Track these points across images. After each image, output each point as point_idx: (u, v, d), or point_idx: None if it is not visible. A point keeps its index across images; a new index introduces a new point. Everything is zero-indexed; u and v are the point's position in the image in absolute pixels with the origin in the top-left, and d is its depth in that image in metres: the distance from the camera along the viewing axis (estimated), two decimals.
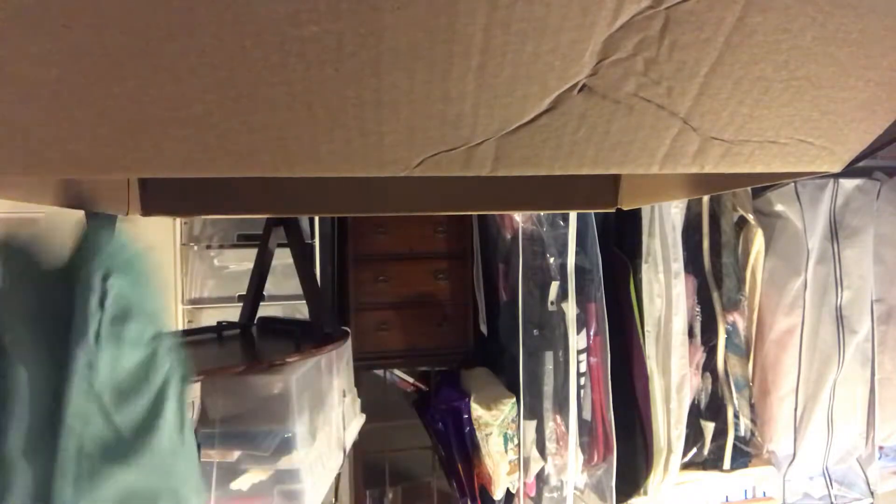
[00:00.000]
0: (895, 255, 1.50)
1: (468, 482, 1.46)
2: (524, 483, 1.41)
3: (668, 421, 1.39)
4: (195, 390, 0.62)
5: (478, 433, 1.41)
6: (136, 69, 0.29)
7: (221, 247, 1.54)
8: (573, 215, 1.35)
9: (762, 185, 1.09)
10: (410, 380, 1.74)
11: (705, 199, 1.41)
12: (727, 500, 1.53)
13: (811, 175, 0.42)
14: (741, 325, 1.45)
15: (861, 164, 0.40)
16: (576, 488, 1.43)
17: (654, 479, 1.40)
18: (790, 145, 0.38)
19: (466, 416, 1.42)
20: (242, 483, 0.71)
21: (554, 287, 1.37)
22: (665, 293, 1.38)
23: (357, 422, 1.00)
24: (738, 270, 1.44)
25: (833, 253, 1.46)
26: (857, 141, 0.39)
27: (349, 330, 0.90)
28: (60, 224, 0.41)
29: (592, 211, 1.34)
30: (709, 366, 1.44)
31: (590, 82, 0.33)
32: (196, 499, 0.41)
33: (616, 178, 0.76)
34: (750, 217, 1.43)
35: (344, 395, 0.91)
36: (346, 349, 0.92)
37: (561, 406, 1.39)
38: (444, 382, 1.58)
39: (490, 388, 1.45)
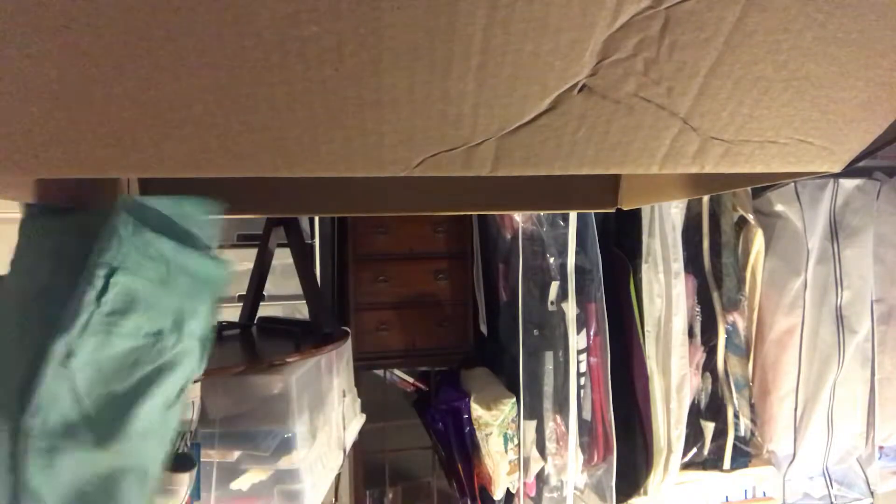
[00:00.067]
0: (895, 255, 1.50)
1: (468, 482, 1.46)
2: (524, 483, 1.41)
3: (668, 421, 1.39)
4: (195, 390, 0.62)
5: (478, 433, 1.41)
6: (136, 69, 0.29)
7: (221, 247, 1.53)
8: (573, 215, 1.35)
9: (762, 185, 1.09)
10: (410, 380, 1.74)
11: (705, 199, 1.41)
12: (727, 500, 1.53)
13: (811, 175, 0.42)
14: (741, 325, 1.45)
15: (861, 164, 0.40)
16: (576, 488, 1.43)
17: (654, 479, 1.40)
18: (790, 145, 0.38)
19: (466, 416, 1.42)
20: (242, 483, 0.71)
21: (554, 287, 1.37)
22: (665, 293, 1.38)
23: (357, 422, 1.00)
24: (738, 270, 1.44)
25: (833, 253, 1.46)
26: (857, 141, 0.39)
27: (349, 330, 0.90)
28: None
29: (592, 211, 1.34)
30: (709, 366, 1.44)
31: (590, 82, 0.33)
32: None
33: (616, 178, 0.76)
34: (750, 217, 1.43)
35: (344, 395, 0.91)
36: (346, 349, 0.92)
37: (561, 406, 1.39)
38: (444, 382, 1.58)
39: (490, 388, 1.45)
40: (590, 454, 1.42)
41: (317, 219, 1.52)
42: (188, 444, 0.62)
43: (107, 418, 0.37)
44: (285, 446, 0.71)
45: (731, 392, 1.43)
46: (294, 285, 0.92)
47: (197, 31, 0.28)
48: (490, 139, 0.35)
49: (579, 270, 1.37)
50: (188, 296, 0.42)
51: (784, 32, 0.32)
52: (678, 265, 1.38)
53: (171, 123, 0.32)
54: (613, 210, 0.77)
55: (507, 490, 1.41)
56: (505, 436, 1.38)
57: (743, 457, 1.44)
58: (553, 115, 0.35)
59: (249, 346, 0.86)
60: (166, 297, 0.40)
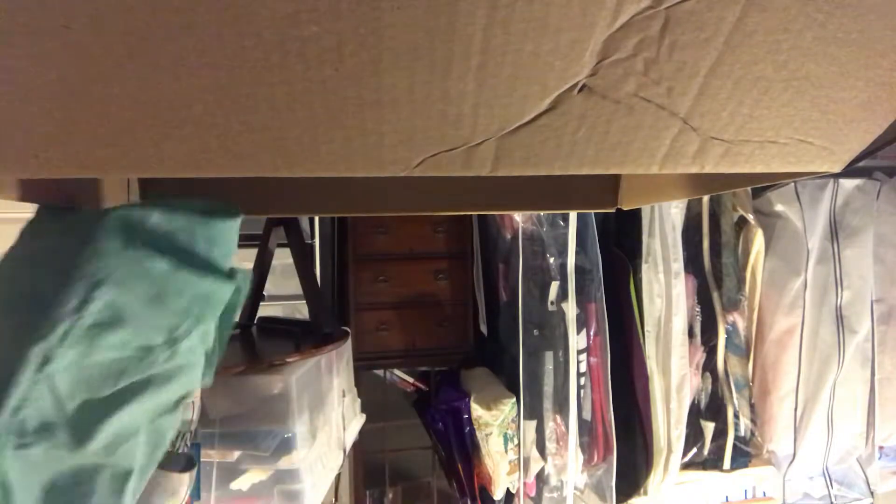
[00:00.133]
0: (895, 255, 1.50)
1: (468, 482, 1.46)
2: (524, 483, 1.41)
3: (668, 421, 1.39)
4: (195, 391, 0.62)
5: (478, 433, 1.41)
6: (136, 69, 0.29)
7: None
8: (573, 215, 1.35)
9: (762, 185, 1.09)
10: (410, 380, 1.74)
11: (705, 199, 1.41)
12: (727, 500, 1.53)
13: (811, 175, 0.42)
14: (741, 325, 1.45)
15: (861, 164, 0.40)
16: (576, 488, 1.43)
17: (654, 479, 1.40)
18: (790, 145, 0.38)
19: (466, 416, 1.42)
20: (242, 483, 0.71)
21: (554, 287, 1.37)
22: (665, 293, 1.38)
23: (357, 422, 1.00)
24: (738, 270, 1.44)
25: (833, 253, 1.46)
26: (857, 141, 0.39)
27: (349, 330, 0.90)
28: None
29: (592, 211, 1.34)
30: (709, 366, 1.44)
31: (590, 82, 0.33)
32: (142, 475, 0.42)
33: (616, 178, 0.76)
34: (750, 217, 1.43)
35: (344, 395, 0.91)
36: (346, 349, 0.92)
37: (561, 406, 1.39)
38: (444, 382, 1.58)
39: (490, 388, 1.45)
40: (590, 454, 1.42)
41: (317, 219, 1.52)
42: (188, 444, 0.62)
43: (86, 421, 0.37)
44: (285, 446, 0.71)
45: (731, 392, 1.43)
46: (294, 285, 0.92)
47: (197, 31, 0.28)
48: (490, 139, 0.35)
49: (579, 270, 1.37)
50: (185, 314, 0.40)
51: (784, 32, 0.32)
52: (678, 265, 1.38)
53: (171, 123, 0.32)
54: (613, 210, 0.77)
55: (507, 490, 1.41)
56: (505, 436, 1.38)
57: (743, 457, 1.44)
58: (553, 115, 0.35)
59: (249, 346, 0.86)
60: (157, 315, 0.39)
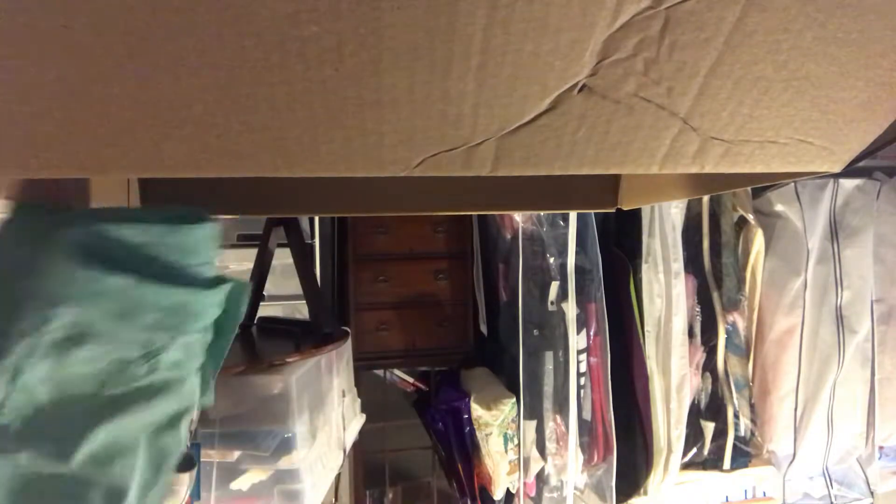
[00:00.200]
0: (895, 255, 1.50)
1: (468, 482, 1.46)
2: (524, 483, 1.41)
3: (668, 421, 1.39)
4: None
5: (478, 433, 1.41)
6: (136, 69, 0.29)
7: (221, 247, 1.53)
8: (573, 215, 1.35)
9: (762, 185, 1.09)
10: (410, 380, 1.74)
11: (705, 199, 1.41)
12: (727, 500, 1.53)
13: (811, 175, 0.42)
14: (741, 325, 1.45)
15: (861, 164, 0.40)
16: (576, 488, 1.43)
17: (654, 479, 1.40)
18: (790, 145, 0.38)
19: (466, 416, 1.42)
20: (242, 483, 0.71)
21: (554, 287, 1.37)
22: (665, 293, 1.38)
23: (357, 422, 1.00)
24: (738, 270, 1.44)
25: (833, 253, 1.46)
26: (857, 141, 0.39)
27: (349, 330, 0.90)
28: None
29: (592, 211, 1.34)
30: (709, 366, 1.44)
31: (590, 82, 0.33)
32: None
33: (616, 178, 0.76)
34: (750, 217, 1.43)
35: (344, 395, 0.91)
36: (346, 349, 0.92)
37: (561, 406, 1.39)
38: (444, 382, 1.58)
39: (490, 388, 1.45)
40: (590, 454, 1.42)
41: (317, 219, 1.52)
42: (188, 444, 0.62)
43: (71, 431, 0.36)
44: (285, 446, 0.71)
45: (731, 392, 1.43)
46: (294, 285, 0.92)
47: (197, 31, 0.28)
48: (490, 139, 0.35)
49: (579, 270, 1.37)
50: (157, 327, 0.38)
51: (784, 32, 0.32)
52: (678, 265, 1.38)
53: (171, 123, 0.32)
54: (613, 210, 0.77)
55: (507, 490, 1.42)
56: (505, 436, 1.39)
57: (743, 457, 1.44)
58: (553, 115, 0.35)
59: (249, 346, 0.86)
60: (127, 330, 0.37)
